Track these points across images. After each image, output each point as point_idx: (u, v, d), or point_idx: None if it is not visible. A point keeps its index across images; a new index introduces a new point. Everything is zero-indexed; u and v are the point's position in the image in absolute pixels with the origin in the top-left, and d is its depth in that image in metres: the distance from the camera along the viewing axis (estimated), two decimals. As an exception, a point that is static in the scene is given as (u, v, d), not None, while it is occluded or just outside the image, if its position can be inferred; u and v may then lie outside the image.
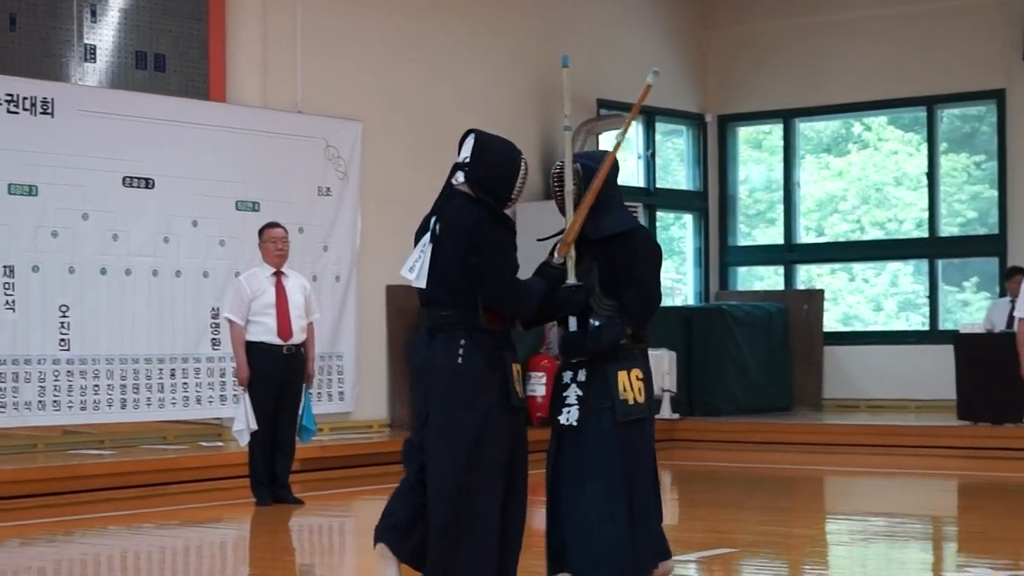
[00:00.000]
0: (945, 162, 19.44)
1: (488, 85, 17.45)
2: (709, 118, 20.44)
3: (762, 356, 18.71)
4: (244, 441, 11.59)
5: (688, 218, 20.65)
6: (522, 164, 7.37)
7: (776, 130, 20.53)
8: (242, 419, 11.53)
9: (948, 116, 19.59)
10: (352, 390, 15.80)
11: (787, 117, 20.25)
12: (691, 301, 20.32)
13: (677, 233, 20.91)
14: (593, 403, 6.98)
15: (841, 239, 20.23)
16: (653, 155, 19.79)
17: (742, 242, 20.80)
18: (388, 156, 16.30)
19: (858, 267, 20.46)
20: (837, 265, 20.37)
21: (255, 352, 11.62)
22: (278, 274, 11.81)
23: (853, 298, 20.56)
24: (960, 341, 15.95)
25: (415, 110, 16.68)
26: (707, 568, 8.90)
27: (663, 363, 17.53)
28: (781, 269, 20.52)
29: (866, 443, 15.96)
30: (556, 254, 7.16)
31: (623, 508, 6.99)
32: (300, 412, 11.76)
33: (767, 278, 20.87)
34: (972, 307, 19.19)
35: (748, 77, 20.30)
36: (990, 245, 18.91)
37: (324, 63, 15.76)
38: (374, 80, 16.26)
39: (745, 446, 16.56)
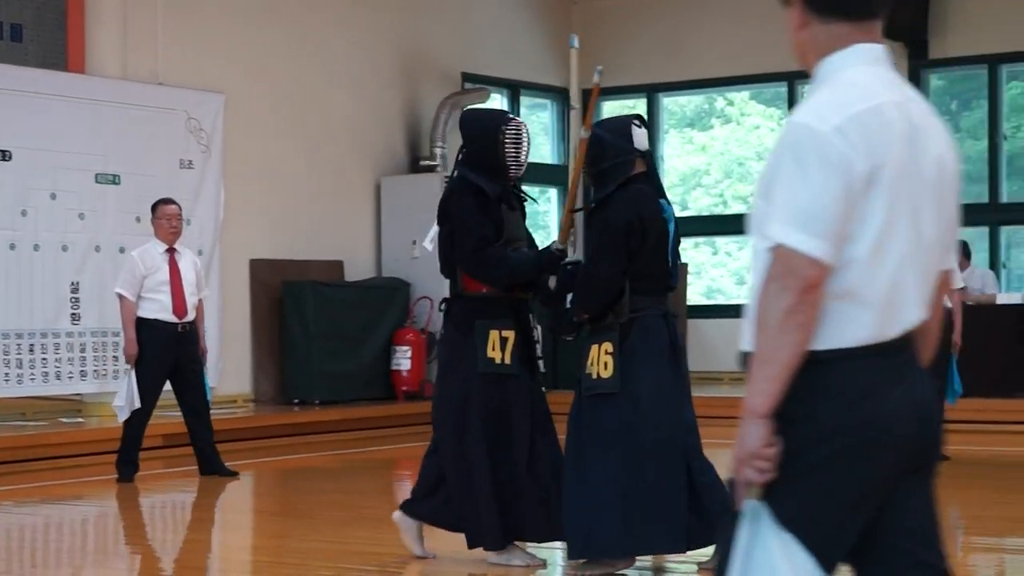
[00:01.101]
0: (806, 137, 19.64)
1: (352, 58, 17.33)
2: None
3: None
4: (123, 417, 11.44)
5: (553, 192, 20.69)
6: (504, 131, 7.47)
7: (640, 105, 20.60)
8: (124, 396, 11.38)
9: (808, 91, 19.76)
10: (215, 365, 15.65)
11: (651, 92, 20.35)
12: (556, 275, 20.37)
13: (543, 207, 20.94)
14: (578, 376, 7.14)
15: (704, 213, 20.39)
16: (518, 129, 19.80)
17: (606, 216, 20.87)
18: (251, 129, 16.15)
19: (721, 241, 20.64)
20: (701, 239, 20.53)
21: (148, 329, 11.48)
22: (171, 251, 11.69)
23: (716, 272, 20.74)
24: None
25: (279, 83, 16.53)
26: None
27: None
28: (645, 243, 20.62)
29: (729, 415, 16.03)
30: (558, 240, 7.41)
31: (575, 481, 7.06)
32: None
33: (631, 252, 20.96)
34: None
35: (612, 52, 20.34)
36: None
37: (186, 34, 15.56)
38: (237, 52, 16.09)
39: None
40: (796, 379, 3.19)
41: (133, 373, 11.41)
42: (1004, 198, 18.16)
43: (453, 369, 7.45)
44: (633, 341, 7.01)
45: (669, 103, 20.72)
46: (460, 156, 7.64)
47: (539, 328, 7.60)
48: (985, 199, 17.75)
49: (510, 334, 7.35)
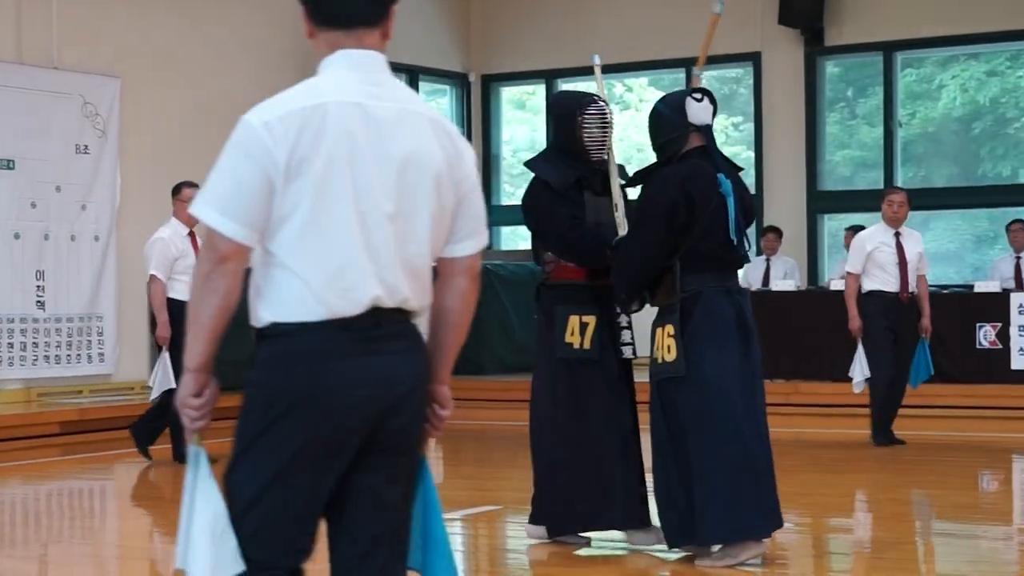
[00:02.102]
0: (704, 123, 19.75)
1: (251, 42, 17.22)
2: (473, 78, 20.48)
3: (526, 315, 18.81)
4: (155, 396, 11.47)
5: (453, 178, 20.66)
6: (582, 114, 7.40)
7: (539, 90, 20.65)
8: (159, 376, 11.38)
9: (707, 78, 19.83)
10: (113, 351, 15.52)
11: (550, 77, 20.37)
12: (456, 260, 20.37)
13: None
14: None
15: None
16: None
17: (506, 202, 20.90)
18: (148, 114, 15.99)
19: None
20: (599, 225, 20.62)
21: (181, 310, 11.39)
22: (192, 234, 11.71)
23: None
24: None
25: (176, 67, 16.39)
26: (472, 525, 8.95)
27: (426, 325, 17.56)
28: (545, 229, 20.66)
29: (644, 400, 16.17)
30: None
31: (660, 468, 7.04)
32: None
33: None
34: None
35: (511, 37, 20.37)
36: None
37: (82, 18, 15.38)
38: (134, 36, 15.93)
39: (509, 404, 16.64)
40: (257, 347, 3.66)
41: (167, 354, 11.38)
42: (899, 184, 18.37)
43: (542, 356, 7.58)
44: (696, 321, 6.88)
45: (568, 89, 20.74)
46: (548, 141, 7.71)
47: (626, 316, 7.51)
48: (880, 185, 17.92)
49: (590, 319, 7.35)
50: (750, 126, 19.26)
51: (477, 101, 20.66)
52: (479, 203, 3.86)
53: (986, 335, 14.47)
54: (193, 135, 16.07)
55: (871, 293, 12.10)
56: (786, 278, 16.54)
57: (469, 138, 20.49)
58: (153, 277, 11.52)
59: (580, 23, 19.96)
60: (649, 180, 7.12)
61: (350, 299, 3.59)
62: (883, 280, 12.09)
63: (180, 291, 11.44)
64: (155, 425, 11.62)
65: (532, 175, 7.68)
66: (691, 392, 6.86)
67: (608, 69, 19.98)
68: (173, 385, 11.33)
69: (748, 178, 19.16)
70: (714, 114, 7.14)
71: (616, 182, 7.49)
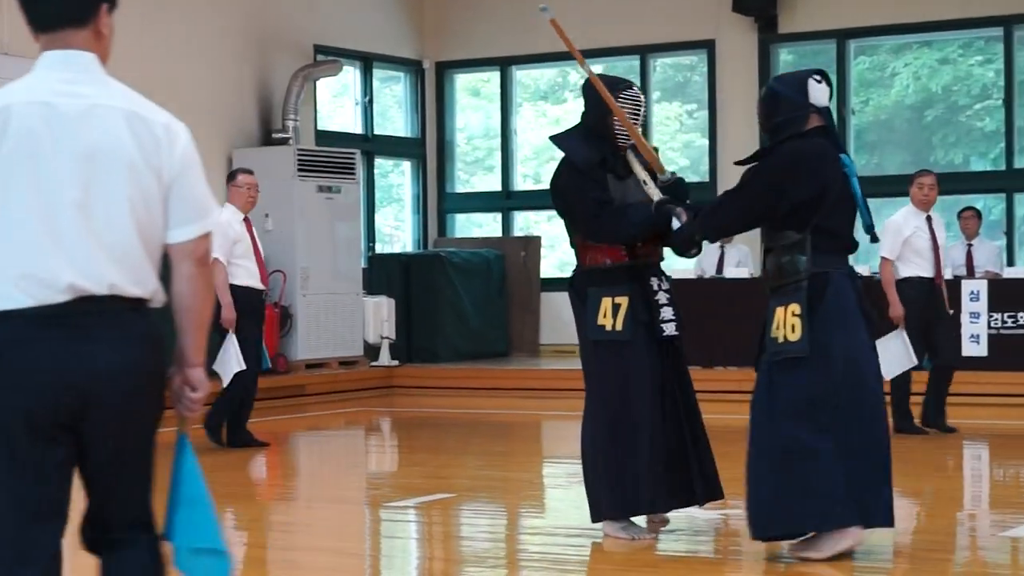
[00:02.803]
0: (659, 111, 19.78)
1: (203, 30, 17.11)
2: (427, 65, 20.42)
3: (480, 302, 18.85)
4: (228, 381, 11.41)
5: (406, 165, 20.63)
6: (614, 96, 7.42)
7: (494, 78, 20.61)
8: (228, 361, 11.35)
9: (661, 65, 19.94)
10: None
11: (504, 65, 20.34)
12: (410, 248, 20.35)
13: (396, 180, 20.89)
14: (761, 342, 7.07)
15: (558, 186, 20.41)
16: (371, 102, 19.70)
17: (460, 189, 20.88)
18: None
19: (574, 214, 20.68)
20: (554, 212, 20.54)
21: (241, 295, 11.48)
22: (247, 220, 11.73)
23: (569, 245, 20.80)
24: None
25: (127, 54, 16.22)
26: (426, 513, 8.94)
27: (382, 310, 17.54)
28: (499, 216, 20.66)
29: (582, 388, 16.17)
30: (658, 173, 7.52)
31: (763, 455, 6.91)
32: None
33: (485, 225, 21.00)
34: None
35: (465, 24, 20.32)
36: (701, 193, 19.29)
37: (32, 4, 15.25)
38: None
39: (463, 392, 16.67)
40: None
41: (233, 337, 11.37)
42: (852, 172, 18.44)
43: (580, 339, 7.55)
44: (827, 303, 6.72)
45: (522, 76, 20.73)
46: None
47: (666, 293, 7.49)
48: (833, 173, 17.96)
49: (623, 300, 7.32)
50: (704, 114, 19.29)
51: (431, 88, 20.61)
52: (194, 190, 3.96)
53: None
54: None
55: (908, 279, 11.85)
56: (740, 266, 16.57)
57: (423, 125, 20.47)
58: (216, 261, 11.27)
59: (534, 10, 19.86)
60: (772, 152, 7.03)
61: (46, 286, 3.74)
62: (919, 266, 11.88)
63: (238, 276, 11.51)
64: (241, 411, 11.73)
65: (559, 159, 7.78)
66: (812, 375, 6.71)
67: (563, 56, 20.09)
68: (244, 367, 11.40)
69: (702, 166, 19.25)
70: (830, 98, 7.05)
71: (639, 163, 7.53)
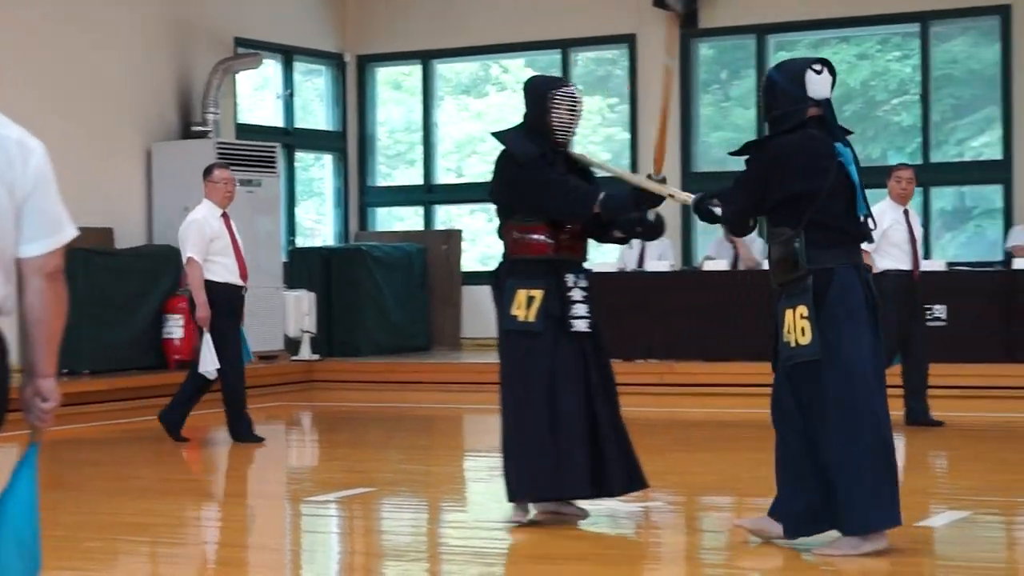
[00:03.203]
0: (580, 105, 19.79)
1: (121, 22, 16.98)
2: (348, 58, 20.36)
3: (402, 296, 18.82)
4: (213, 376, 11.41)
5: (328, 158, 20.56)
6: (552, 96, 7.51)
7: (415, 71, 20.58)
8: (207, 359, 11.32)
9: (583, 59, 19.97)
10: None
11: (426, 58, 20.31)
12: (331, 242, 20.28)
13: (317, 174, 20.82)
14: (775, 346, 6.84)
15: (480, 180, 20.40)
16: (292, 95, 19.62)
17: (382, 183, 20.84)
18: (14, 94, 15.71)
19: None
20: (476, 206, 20.56)
21: (220, 292, 11.39)
22: (225, 215, 11.60)
23: (491, 238, 20.79)
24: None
25: (44, 47, 16.12)
26: (347, 507, 8.92)
27: (303, 304, 17.48)
28: (421, 210, 20.64)
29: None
30: (653, 170, 7.79)
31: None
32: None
33: (407, 219, 20.97)
34: (604, 247, 19.61)
35: (387, 18, 20.27)
36: (622, 186, 19.31)
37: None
38: (3, 15, 15.65)
39: (385, 386, 16.65)
40: None
41: (208, 336, 11.32)
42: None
43: (498, 328, 7.66)
44: (831, 301, 6.58)
45: (444, 70, 20.71)
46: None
47: (581, 290, 7.57)
48: (753, 167, 18.07)
49: (537, 293, 7.45)
50: (626, 107, 19.34)
51: (352, 82, 20.54)
52: (47, 206, 4.00)
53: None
54: (61, 116, 15.79)
55: (886, 273, 11.83)
56: (661, 259, 16.63)
57: (344, 119, 20.41)
58: (190, 259, 11.39)
59: (456, 4, 19.91)
60: (763, 146, 6.90)
61: None
62: (897, 258, 11.93)
63: (216, 272, 11.40)
64: (235, 409, 11.69)
65: (480, 153, 7.89)
66: (828, 376, 6.57)
67: (485, 50, 20.11)
68: (219, 365, 11.35)
69: (623, 160, 19.29)
70: (833, 85, 6.86)
71: (584, 158, 7.71)
